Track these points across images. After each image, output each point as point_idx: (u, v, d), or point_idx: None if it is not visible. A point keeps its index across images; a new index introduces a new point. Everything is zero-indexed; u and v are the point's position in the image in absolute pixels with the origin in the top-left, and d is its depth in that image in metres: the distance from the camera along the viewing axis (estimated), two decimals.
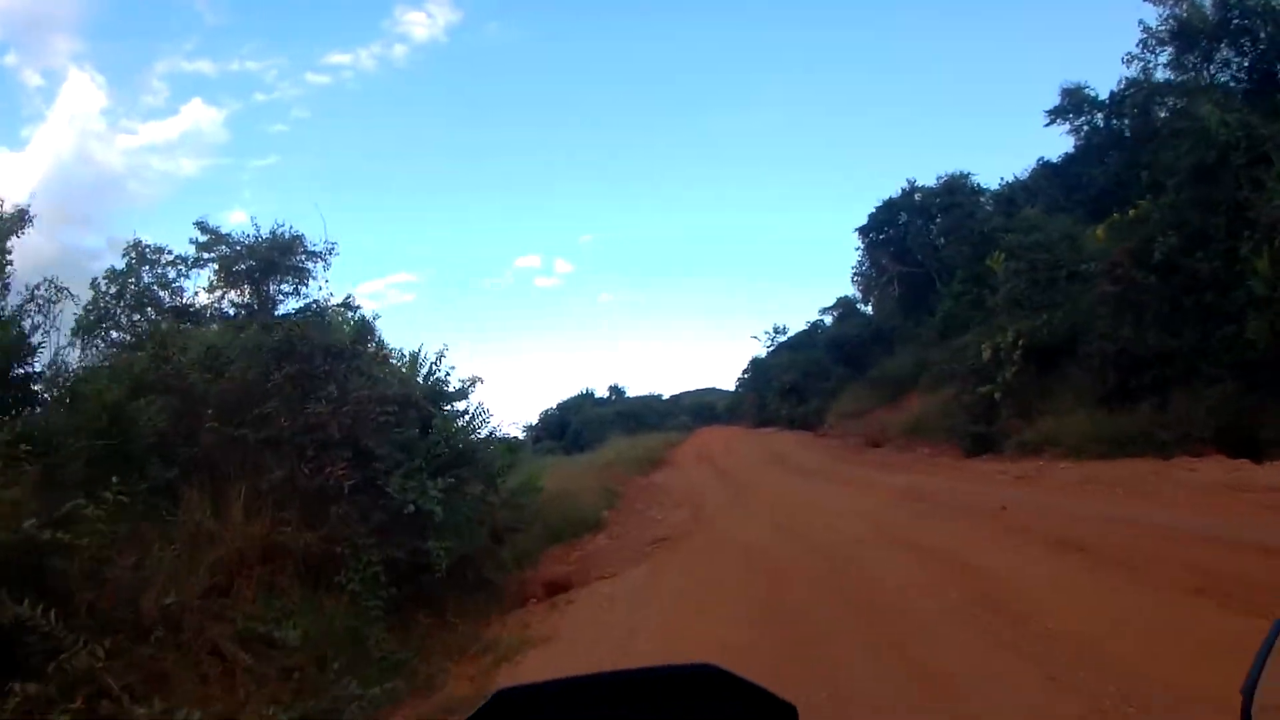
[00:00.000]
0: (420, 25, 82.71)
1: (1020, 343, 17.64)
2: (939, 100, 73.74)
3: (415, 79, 74.23)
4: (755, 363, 56.62)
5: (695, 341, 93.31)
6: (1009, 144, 77.07)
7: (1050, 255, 19.17)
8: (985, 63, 71.16)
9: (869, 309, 42.85)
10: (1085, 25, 62.59)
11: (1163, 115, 19.82)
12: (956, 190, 34.40)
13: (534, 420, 47.76)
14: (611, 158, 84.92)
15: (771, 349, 52.48)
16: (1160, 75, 20.45)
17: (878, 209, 37.27)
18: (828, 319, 46.75)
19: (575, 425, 46.38)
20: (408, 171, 78.46)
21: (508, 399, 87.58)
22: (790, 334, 50.45)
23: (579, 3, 78.67)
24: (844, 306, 46.56)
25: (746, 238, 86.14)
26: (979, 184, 34.23)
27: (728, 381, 64.82)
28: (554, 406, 51.06)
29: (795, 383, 39.71)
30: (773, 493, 16.35)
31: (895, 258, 38.29)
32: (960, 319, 26.10)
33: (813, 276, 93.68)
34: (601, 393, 55.25)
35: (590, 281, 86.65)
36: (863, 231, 38.94)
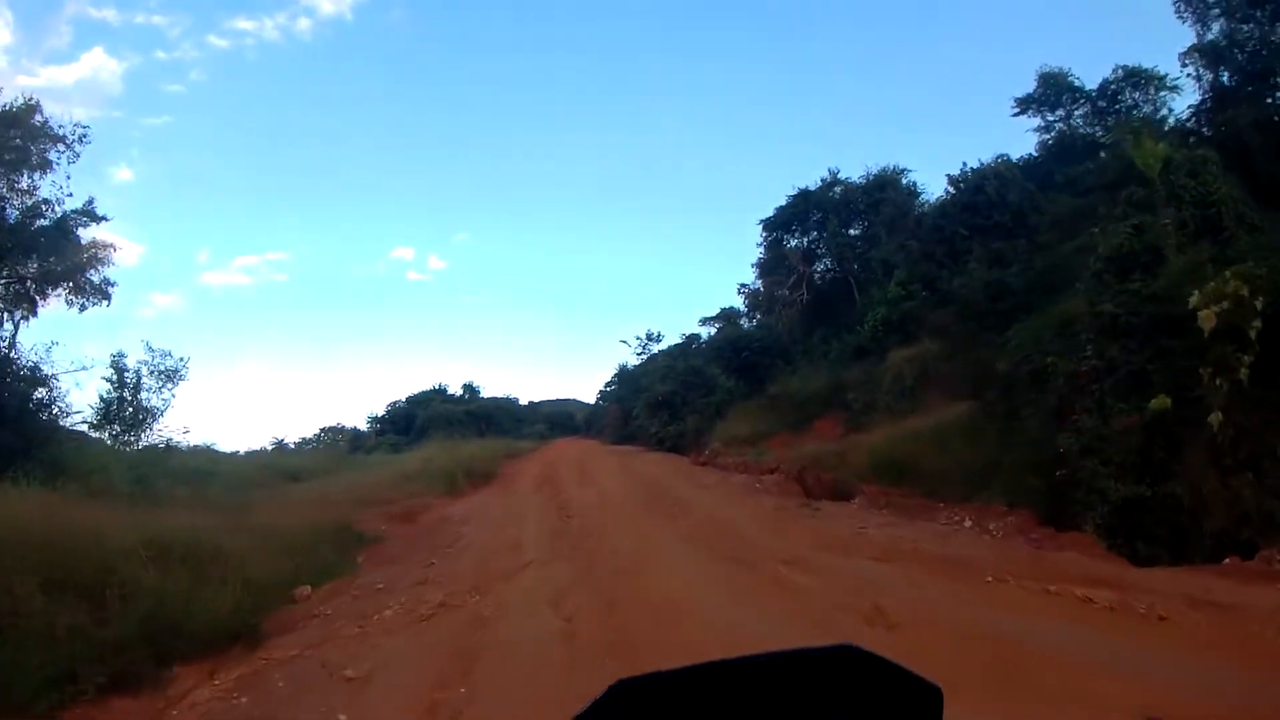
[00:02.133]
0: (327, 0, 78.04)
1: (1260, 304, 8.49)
2: (846, 114, 70.58)
3: (316, 54, 73.07)
4: (623, 372, 49.28)
5: (564, 351, 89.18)
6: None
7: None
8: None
9: (757, 321, 37.23)
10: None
11: None
12: (888, 185, 29.06)
13: (380, 412, 44.02)
14: (497, 158, 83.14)
15: (643, 357, 45.19)
16: None
17: (791, 200, 31.14)
18: (707, 331, 40.51)
19: (421, 421, 42.62)
20: (297, 148, 77.31)
21: (364, 388, 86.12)
22: (666, 344, 43.52)
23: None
24: (727, 319, 40.68)
25: (624, 252, 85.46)
26: (914, 183, 29.11)
27: (592, 395, 62.51)
28: (404, 400, 47.04)
29: (670, 395, 32.56)
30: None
31: (806, 258, 32.58)
32: (897, 330, 20.04)
33: (694, 295, 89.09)
34: (455, 390, 51.54)
35: (461, 280, 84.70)
36: (768, 225, 32.74)
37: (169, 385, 14.61)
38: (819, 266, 30.96)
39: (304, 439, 39.60)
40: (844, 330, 25.44)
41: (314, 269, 77.63)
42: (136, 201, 65.65)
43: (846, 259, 29.11)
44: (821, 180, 31.56)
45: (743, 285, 38.79)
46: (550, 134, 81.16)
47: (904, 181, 29.12)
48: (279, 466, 22.96)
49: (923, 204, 28.20)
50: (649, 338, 45.23)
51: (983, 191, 19.88)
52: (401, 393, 48.63)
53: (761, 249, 33.04)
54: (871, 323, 21.38)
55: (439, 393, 50.13)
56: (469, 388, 53.19)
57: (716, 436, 24.48)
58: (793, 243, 31.95)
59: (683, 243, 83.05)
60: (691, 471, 20.64)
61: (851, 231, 30.30)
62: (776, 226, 32.25)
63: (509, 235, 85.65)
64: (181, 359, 15.13)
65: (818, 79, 72.20)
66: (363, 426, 45.63)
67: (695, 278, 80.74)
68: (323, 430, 42.75)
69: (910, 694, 0.87)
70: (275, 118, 78.31)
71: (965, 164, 21.34)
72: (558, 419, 61.88)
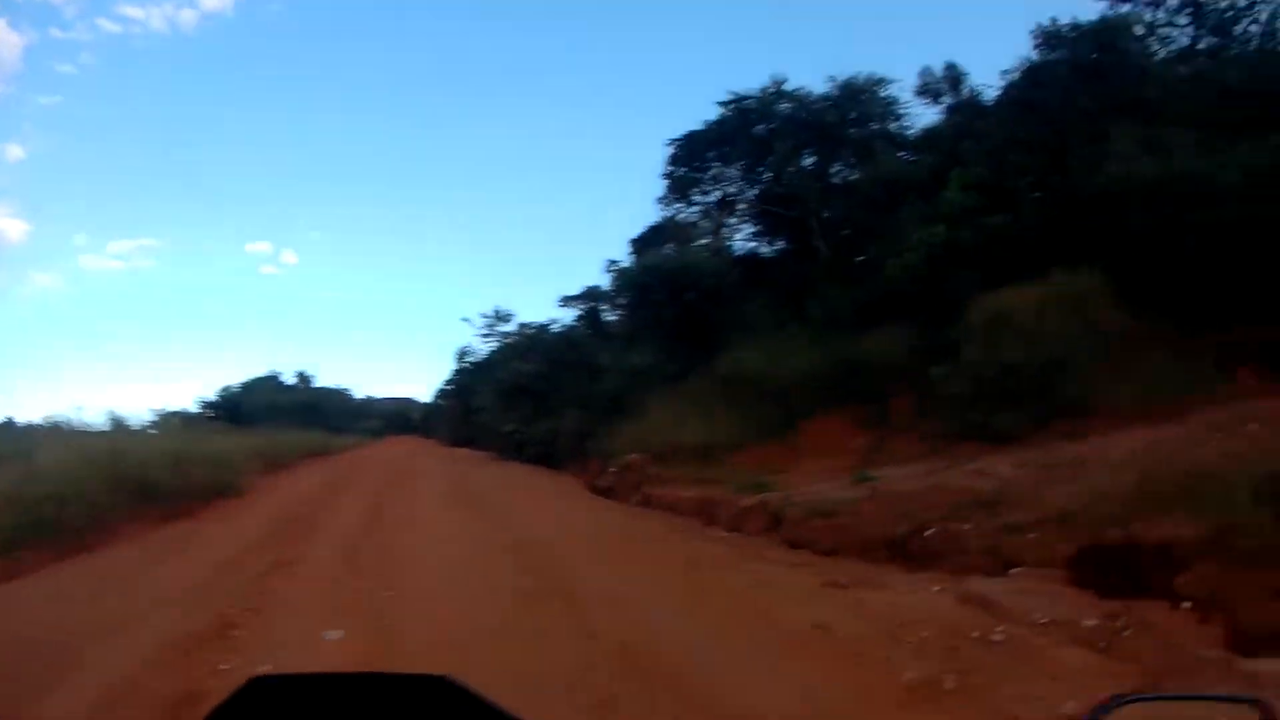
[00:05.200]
0: None
1: None
2: None
3: (197, 46, 70.28)
4: (465, 362, 38.42)
5: (410, 350, 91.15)
6: None
7: None
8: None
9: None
10: None
11: None
12: (859, 96, 20.81)
13: (212, 396, 39.40)
14: (357, 153, 79.72)
15: (492, 342, 33.84)
16: None
17: (730, 107, 21.94)
18: (571, 315, 30.35)
19: (248, 407, 38.75)
20: (176, 138, 76.01)
21: (212, 376, 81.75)
22: (519, 324, 32.72)
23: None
24: (591, 300, 30.98)
25: (483, 245, 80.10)
26: (892, 97, 20.93)
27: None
28: (238, 385, 43.38)
29: (534, 379, 22.45)
30: None
31: (727, 206, 23.63)
32: (967, 261, 11.46)
33: (555, 282, 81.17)
34: (290, 378, 48.56)
35: (312, 275, 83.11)
36: (678, 154, 23.41)
37: None
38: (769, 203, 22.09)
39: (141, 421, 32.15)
40: (804, 293, 16.75)
41: (180, 258, 76.73)
42: (26, 179, 65.61)
43: (811, 196, 20.38)
44: (763, 91, 22.44)
45: (612, 262, 29.68)
46: (407, 127, 78.54)
47: (880, 95, 20.88)
48: None
49: (906, 127, 20.38)
50: (498, 316, 33.34)
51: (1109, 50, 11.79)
52: (238, 379, 45.03)
53: (668, 182, 23.52)
54: (907, 261, 12.57)
55: (272, 379, 46.63)
56: (303, 375, 49.33)
57: (623, 443, 14.52)
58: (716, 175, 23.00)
59: (546, 231, 76.66)
60: (610, 520, 10.47)
61: (805, 163, 21.80)
62: (695, 147, 22.99)
63: (362, 232, 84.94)
64: None
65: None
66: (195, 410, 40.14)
67: (557, 265, 72.88)
68: (158, 413, 34.78)
69: None
70: (157, 106, 76.08)
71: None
72: (395, 417, 60.94)
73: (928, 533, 5.61)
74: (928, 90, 16.03)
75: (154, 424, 30.66)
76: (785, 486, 9.25)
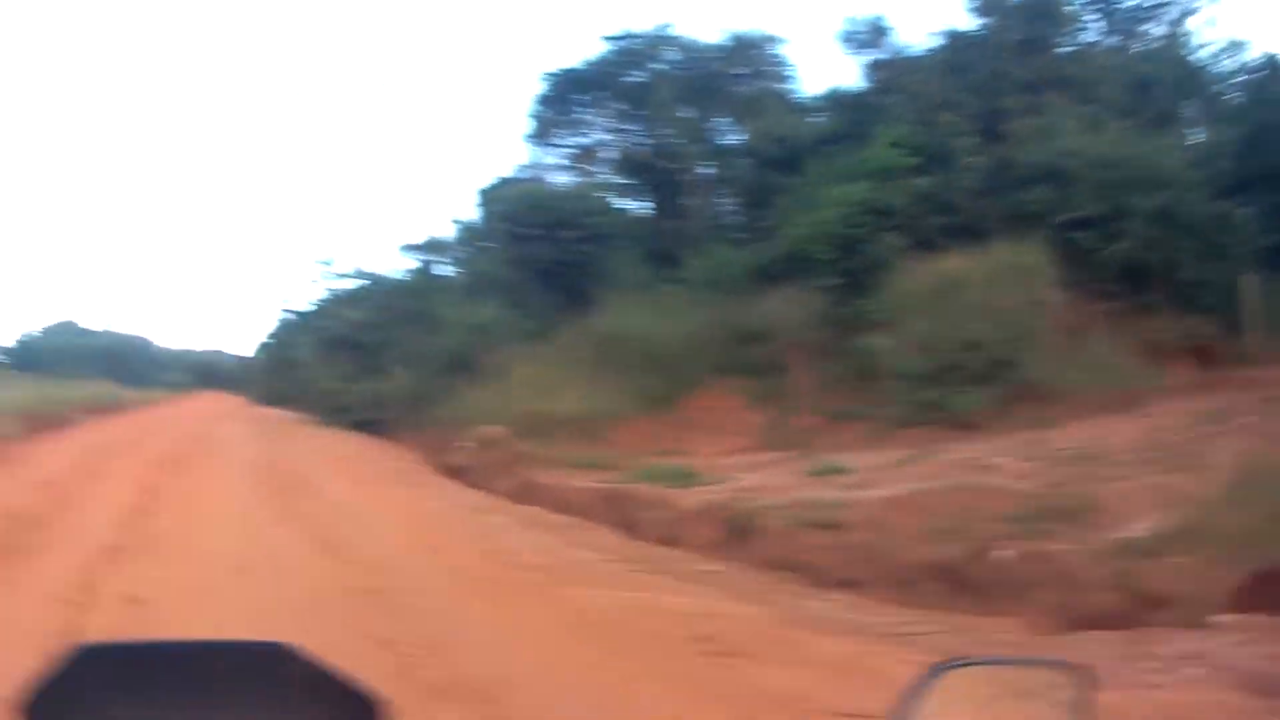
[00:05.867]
0: None
1: None
2: None
3: None
4: (288, 312, 32.65)
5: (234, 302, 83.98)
6: None
7: None
8: None
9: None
10: None
11: None
12: (750, 52, 19.35)
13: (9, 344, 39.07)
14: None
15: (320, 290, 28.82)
16: None
17: (614, 46, 19.49)
18: (416, 264, 26.60)
19: (48, 356, 36.55)
20: None
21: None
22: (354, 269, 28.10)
23: None
24: (434, 250, 27.65)
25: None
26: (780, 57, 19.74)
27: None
28: (39, 331, 42.40)
29: (363, 330, 18.97)
30: None
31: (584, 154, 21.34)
32: (895, 224, 10.22)
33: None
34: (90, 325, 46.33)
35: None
36: (549, 93, 20.69)
37: None
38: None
39: None
40: (678, 254, 15.08)
41: None
42: None
43: (679, 155, 18.60)
44: (637, 40, 20.41)
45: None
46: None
47: (773, 53, 19.59)
48: None
49: (797, 91, 19.27)
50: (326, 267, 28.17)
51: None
52: (37, 325, 44.61)
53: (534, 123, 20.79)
54: (818, 220, 11.14)
55: (72, 325, 44.84)
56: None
57: (472, 411, 11.81)
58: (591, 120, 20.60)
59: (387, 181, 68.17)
60: (492, 526, 7.36)
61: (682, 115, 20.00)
62: (567, 89, 20.41)
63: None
64: None
65: None
66: None
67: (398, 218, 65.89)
68: None
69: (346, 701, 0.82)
70: None
71: None
72: (202, 369, 55.57)
73: (998, 555, 3.92)
74: (852, 40, 14.80)
75: None
76: (710, 475, 7.26)
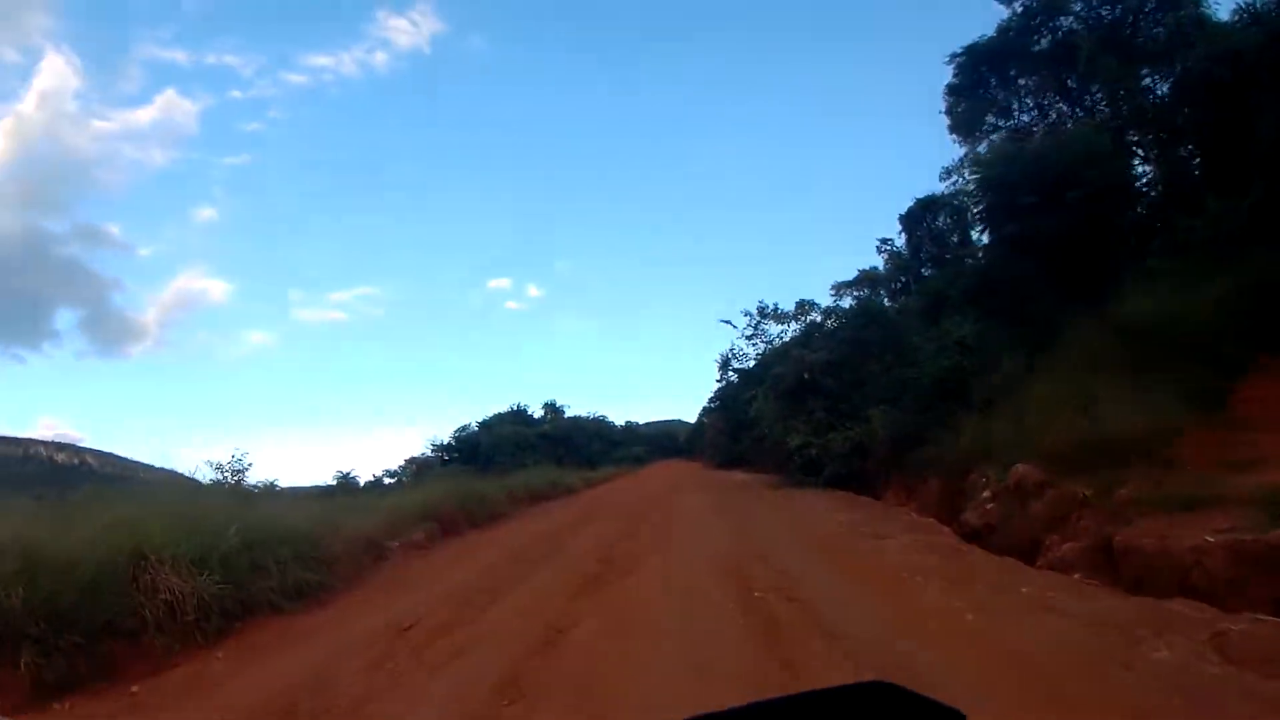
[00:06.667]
0: (404, 32, 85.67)
1: None
2: None
3: (396, 87, 78.09)
4: (728, 367, 34.60)
5: (670, 370, 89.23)
6: None
7: None
8: None
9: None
10: None
11: None
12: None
13: (445, 439, 38.02)
14: (593, 181, 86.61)
15: (757, 345, 29.73)
16: None
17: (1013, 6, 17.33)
18: (847, 301, 26.60)
19: (486, 446, 37.20)
20: (382, 182, 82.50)
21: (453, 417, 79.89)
22: (796, 303, 28.39)
23: (568, 23, 79.13)
24: (870, 284, 27.41)
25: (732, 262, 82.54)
26: None
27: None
28: (474, 424, 41.26)
29: (825, 372, 19.12)
30: None
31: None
32: None
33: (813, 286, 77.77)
34: (537, 411, 46.06)
35: (559, 306, 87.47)
36: (959, 81, 19.15)
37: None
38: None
39: (387, 470, 33.30)
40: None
41: (409, 302, 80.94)
42: (222, 240, 70.92)
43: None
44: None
45: (883, 242, 26.53)
46: (649, 151, 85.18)
47: None
48: None
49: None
50: (762, 313, 28.79)
51: None
52: (477, 417, 43.26)
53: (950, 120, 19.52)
54: None
55: (516, 414, 44.25)
56: (551, 406, 46.72)
57: (975, 446, 10.93)
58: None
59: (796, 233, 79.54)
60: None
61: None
62: (980, 69, 18.69)
63: (611, 258, 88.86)
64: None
65: None
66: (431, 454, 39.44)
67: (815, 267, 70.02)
68: (406, 461, 36.17)
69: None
70: (359, 151, 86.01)
71: None
72: (658, 440, 58.60)
73: None
74: None
75: (401, 473, 31.33)
76: None
